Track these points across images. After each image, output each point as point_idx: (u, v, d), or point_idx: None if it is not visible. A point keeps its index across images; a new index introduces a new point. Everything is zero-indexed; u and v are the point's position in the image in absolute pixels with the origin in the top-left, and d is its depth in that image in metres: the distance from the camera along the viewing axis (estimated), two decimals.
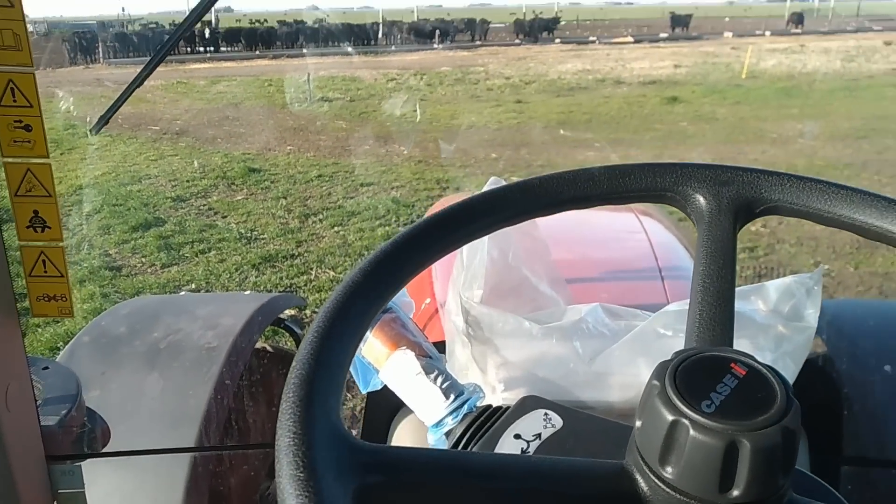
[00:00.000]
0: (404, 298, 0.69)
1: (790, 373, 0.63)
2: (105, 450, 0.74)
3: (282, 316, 1.79)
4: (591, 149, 6.43)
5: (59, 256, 0.57)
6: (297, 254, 3.89)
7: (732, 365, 0.36)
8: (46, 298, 0.58)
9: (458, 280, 0.69)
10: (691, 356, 0.37)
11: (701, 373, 0.36)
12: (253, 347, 1.52)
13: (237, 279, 3.58)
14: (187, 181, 5.43)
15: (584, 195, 0.50)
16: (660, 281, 1.02)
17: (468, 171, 5.66)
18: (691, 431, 0.34)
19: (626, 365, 0.61)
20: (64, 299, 0.58)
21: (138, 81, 0.78)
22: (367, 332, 0.64)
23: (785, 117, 7.84)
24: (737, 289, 0.49)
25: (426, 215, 0.48)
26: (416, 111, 8.35)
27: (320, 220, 4.45)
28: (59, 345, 2.85)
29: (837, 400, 0.90)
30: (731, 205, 0.49)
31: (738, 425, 0.33)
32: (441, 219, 0.46)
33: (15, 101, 0.55)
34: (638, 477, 0.37)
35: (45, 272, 0.57)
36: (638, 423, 0.37)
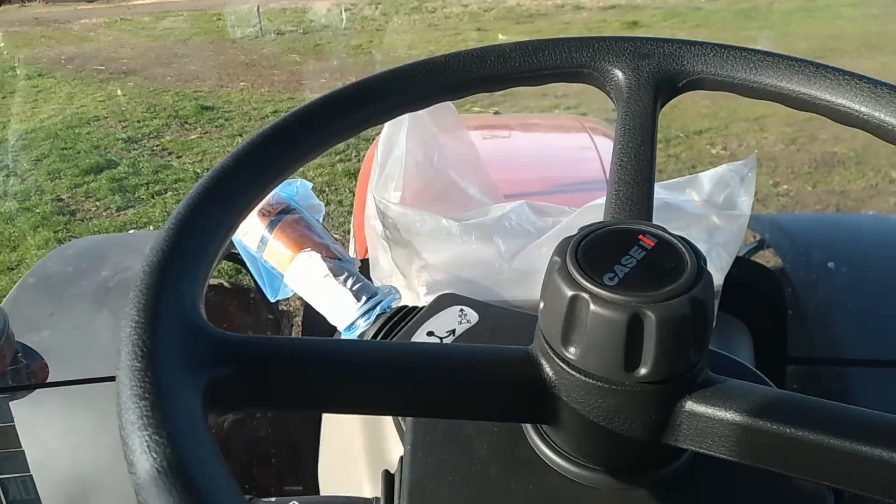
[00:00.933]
0: (312, 201, 0.65)
1: (724, 263, 0.62)
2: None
3: (234, 251, 1.75)
4: None
5: None
6: None
7: (640, 237, 0.34)
8: None
9: (372, 182, 0.66)
10: (596, 230, 0.35)
11: (606, 246, 0.34)
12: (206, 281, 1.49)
13: None
14: (138, 122, 5.24)
15: (493, 74, 0.46)
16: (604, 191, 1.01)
17: None
18: (591, 306, 0.31)
19: (547, 261, 0.59)
20: None
21: None
22: (267, 234, 0.60)
23: (744, 39, 7.81)
24: (669, 181, 0.47)
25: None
26: (371, 41, 8.12)
27: None
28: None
29: (783, 300, 0.92)
30: (651, 79, 0.46)
31: (642, 297, 0.31)
32: (333, 99, 0.42)
33: None
34: (542, 361, 0.35)
35: None
36: (541, 305, 0.35)
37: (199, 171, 4.14)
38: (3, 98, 5.95)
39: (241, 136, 4.82)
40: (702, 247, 0.60)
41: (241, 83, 6.35)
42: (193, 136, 4.90)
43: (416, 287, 0.61)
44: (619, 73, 0.47)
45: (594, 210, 0.61)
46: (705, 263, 0.33)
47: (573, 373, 0.33)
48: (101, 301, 1.36)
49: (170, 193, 3.81)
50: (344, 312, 0.58)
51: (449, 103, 0.68)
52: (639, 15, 9.77)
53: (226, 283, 1.75)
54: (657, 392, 0.33)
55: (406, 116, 0.66)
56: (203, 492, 0.24)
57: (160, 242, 0.33)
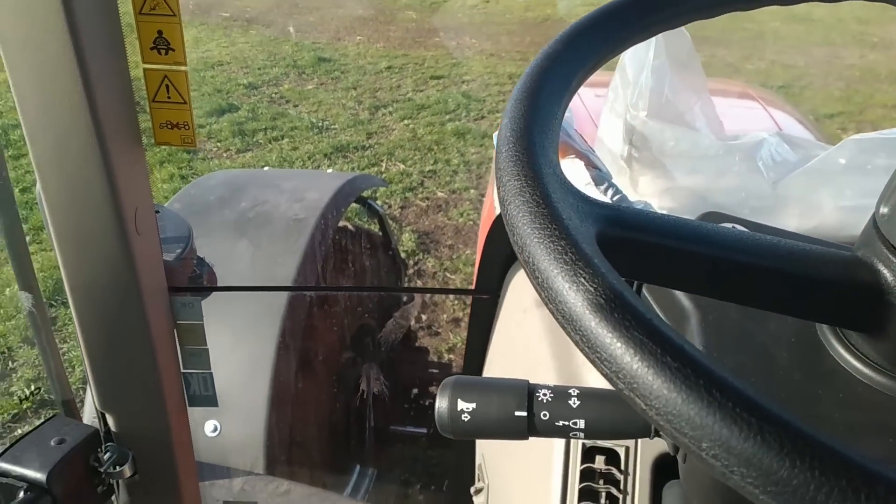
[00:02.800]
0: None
1: None
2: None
3: (363, 195, 1.79)
4: None
5: (183, 82, 0.56)
6: (367, 145, 3.88)
7: None
8: (169, 126, 0.57)
9: (616, 100, 0.65)
10: None
11: None
12: (338, 223, 1.53)
13: (310, 167, 3.61)
14: (259, 69, 5.41)
15: None
16: None
17: None
18: None
19: (809, 193, 0.57)
20: (187, 128, 0.57)
21: None
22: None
23: (891, 20, 7.22)
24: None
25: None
26: (488, 2, 8.02)
27: (390, 113, 4.41)
28: None
29: None
30: None
31: None
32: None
33: None
34: (881, 266, 0.34)
35: (169, 97, 0.56)
36: (884, 210, 0.33)
37: (314, 120, 4.24)
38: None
39: (355, 89, 4.90)
40: None
41: (358, 37, 6.43)
42: (310, 87, 5.01)
43: (655, 209, 0.60)
44: None
45: (848, 147, 0.58)
46: None
47: None
48: (241, 231, 1.42)
49: (286, 140, 3.93)
50: None
51: (685, 33, 0.67)
52: None
53: (350, 227, 1.79)
54: None
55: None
56: (646, 317, 0.25)
57: (518, 111, 0.34)
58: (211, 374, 0.66)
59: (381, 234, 1.82)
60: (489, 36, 6.34)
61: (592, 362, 0.25)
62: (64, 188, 0.53)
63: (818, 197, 0.56)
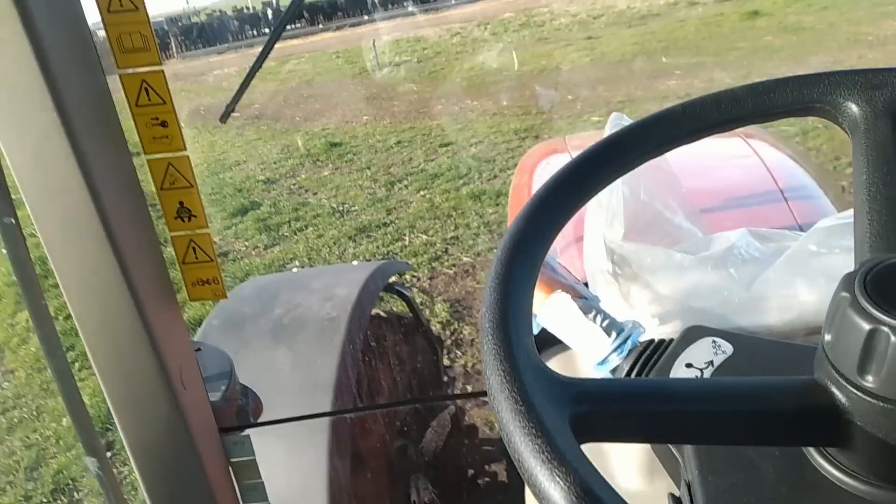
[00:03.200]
0: None
1: None
2: (262, 420, 0.79)
3: (390, 281, 1.83)
4: (672, 77, 6.16)
5: (207, 242, 0.60)
6: (388, 221, 3.96)
7: None
8: (201, 283, 0.61)
9: (595, 220, 0.69)
10: (878, 264, 0.36)
11: (892, 278, 0.35)
12: (370, 314, 1.57)
13: (336, 252, 3.69)
14: (274, 163, 5.59)
15: (729, 117, 0.48)
16: (784, 203, 0.98)
17: (544, 118, 5.56)
18: (893, 338, 0.33)
19: (784, 287, 0.60)
20: (216, 282, 0.62)
21: (258, 65, 0.80)
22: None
23: (881, 16, 7.25)
24: None
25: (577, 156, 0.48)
26: (483, 63, 8.23)
27: (405, 186, 4.50)
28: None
29: None
30: (886, 108, 0.46)
31: None
32: (591, 156, 0.46)
33: (150, 100, 0.57)
34: (834, 390, 0.36)
35: (196, 258, 0.60)
36: (828, 338, 0.36)
37: (334, 205, 4.35)
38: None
39: (368, 168, 5.02)
40: None
41: (365, 117, 6.62)
42: (326, 173, 5.15)
43: (646, 318, 0.63)
44: (853, 106, 0.47)
45: (818, 234, 0.61)
46: None
47: (870, 399, 0.35)
48: (278, 338, 1.46)
49: (310, 229, 4.03)
50: (598, 348, 0.61)
51: None
52: (758, 4, 9.31)
53: (382, 313, 1.83)
54: None
55: None
56: None
57: (494, 300, 0.38)
58: None
59: (411, 316, 1.85)
60: (489, 96, 6.49)
61: None
62: (112, 354, 0.57)
63: (794, 289, 0.58)
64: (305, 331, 1.46)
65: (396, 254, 3.56)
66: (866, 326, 0.34)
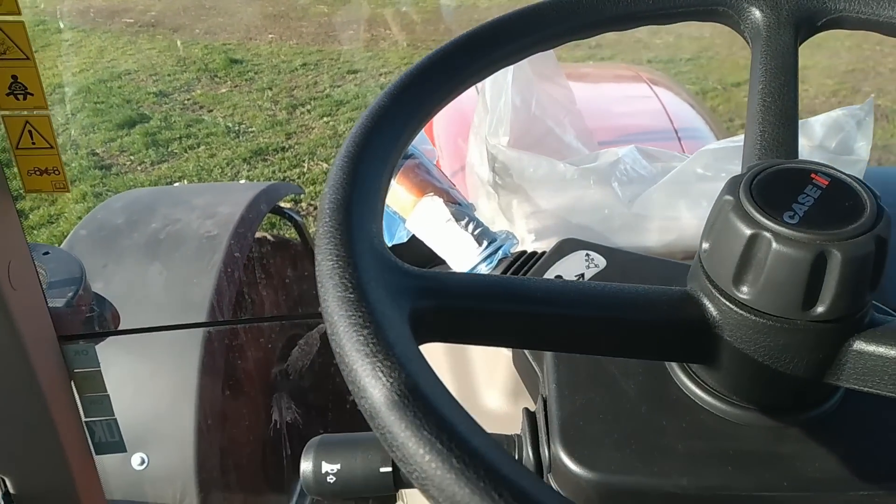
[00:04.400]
0: (426, 146, 0.65)
1: None
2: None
3: (280, 204, 1.76)
4: None
5: (47, 126, 0.53)
6: (287, 146, 3.81)
7: (813, 175, 0.34)
8: (38, 172, 0.54)
9: (480, 127, 0.65)
10: (766, 168, 0.34)
11: (779, 185, 0.33)
12: (254, 235, 1.50)
13: (229, 173, 3.53)
14: (168, 75, 5.24)
15: (628, 12, 0.45)
16: (676, 141, 0.99)
17: None
18: (774, 244, 0.31)
19: (666, 207, 0.59)
20: (56, 172, 0.55)
21: None
22: (395, 173, 0.60)
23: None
24: None
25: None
26: None
27: (308, 111, 4.34)
28: (56, 245, 2.83)
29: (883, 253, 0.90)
30: (791, 17, 0.45)
31: (826, 234, 0.31)
32: (471, 39, 0.42)
33: None
34: (706, 301, 0.35)
35: (34, 143, 0.53)
36: (705, 246, 0.34)
37: (230, 125, 4.14)
38: (34, 52, 5.97)
39: (270, 89, 4.80)
40: None
41: (270, 35, 6.29)
42: (223, 90, 4.88)
43: (523, 233, 0.61)
44: (756, 12, 0.45)
45: (705, 156, 0.60)
46: (880, 202, 0.32)
47: (742, 312, 0.33)
48: (153, 253, 1.37)
49: (202, 147, 3.83)
50: (466, 256, 0.58)
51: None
52: None
53: (269, 237, 1.76)
54: (829, 331, 0.32)
55: None
56: (440, 413, 0.25)
57: (338, 179, 0.33)
58: (115, 419, 0.64)
59: (300, 241, 1.80)
60: (404, 26, 6.30)
61: (394, 460, 0.25)
62: None
63: (676, 210, 0.58)
64: (183, 247, 1.38)
65: (293, 180, 3.45)
66: (747, 231, 0.32)
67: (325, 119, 4.18)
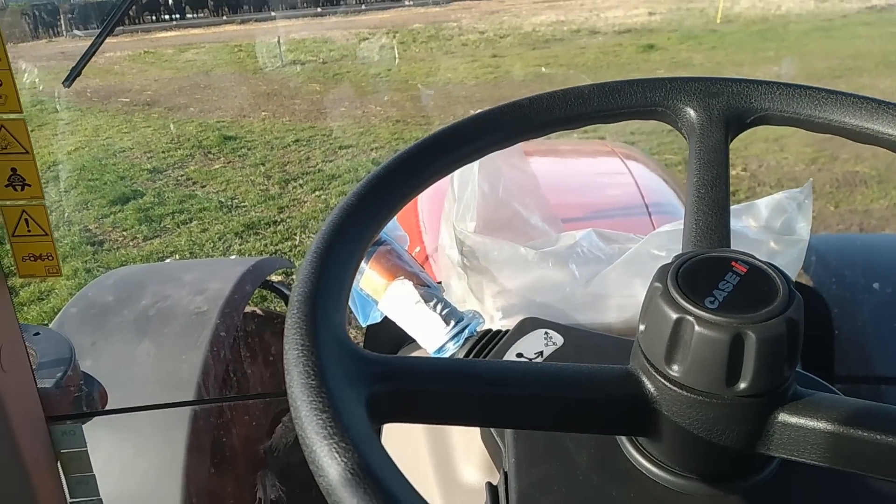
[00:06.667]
0: (398, 232, 0.69)
1: None
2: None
3: (270, 279, 1.78)
4: None
5: (42, 214, 0.56)
6: (279, 220, 3.86)
7: (733, 263, 0.37)
8: (32, 258, 0.57)
9: (450, 213, 0.69)
10: (692, 258, 0.38)
11: (702, 273, 0.37)
12: (243, 310, 1.52)
13: (221, 248, 3.56)
14: (163, 152, 5.34)
15: (575, 114, 0.49)
16: (647, 216, 1.03)
17: None
18: (696, 327, 0.34)
19: (622, 286, 0.62)
20: (50, 258, 0.57)
21: (109, 27, 0.75)
22: (364, 264, 0.64)
23: (762, 60, 7.83)
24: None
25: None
26: (390, 70, 8.23)
27: (300, 185, 4.42)
28: (45, 323, 2.83)
29: (828, 322, 0.92)
30: (721, 116, 0.49)
31: (742, 318, 0.34)
32: (432, 143, 0.46)
33: None
34: (644, 378, 0.38)
35: (29, 231, 0.56)
36: (641, 328, 0.38)
37: (222, 200, 4.20)
38: (31, 131, 6.09)
39: (263, 164, 4.89)
40: None
41: (263, 113, 6.45)
42: (217, 166, 4.98)
43: (491, 311, 0.64)
44: (690, 111, 0.50)
45: (660, 237, 0.63)
46: (793, 286, 0.35)
47: (676, 388, 0.36)
48: (142, 330, 1.39)
49: (195, 222, 3.87)
50: (434, 336, 0.61)
51: None
52: (654, 38, 9.82)
53: (259, 311, 1.78)
54: (754, 404, 0.35)
55: None
56: (389, 491, 0.27)
57: (308, 273, 0.37)
58: (100, 500, 0.65)
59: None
60: (394, 103, 6.48)
61: None
62: None
63: (632, 289, 0.61)
64: (172, 324, 1.39)
65: (285, 253, 3.48)
66: (674, 315, 0.35)
67: (316, 193, 4.25)
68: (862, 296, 0.91)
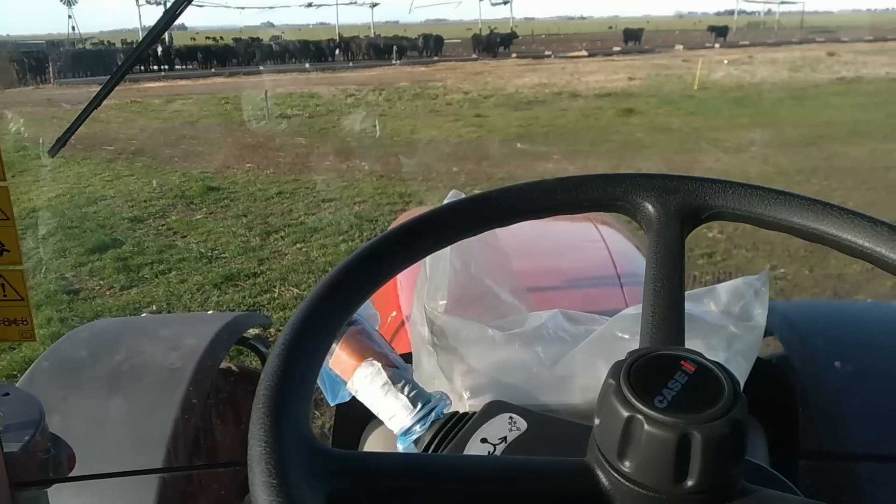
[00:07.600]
0: (369, 311, 0.69)
1: (742, 370, 0.65)
2: (71, 475, 0.73)
3: (246, 335, 1.77)
4: (550, 161, 6.51)
5: (19, 280, 0.56)
6: (259, 272, 3.85)
7: (683, 362, 0.38)
8: (6, 322, 0.57)
9: (422, 291, 0.70)
10: (644, 355, 0.39)
11: (653, 370, 0.38)
12: (218, 367, 1.50)
13: (199, 299, 3.53)
14: (145, 201, 5.34)
15: (539, 206, 0.51)
16: (619, 287, 1.05)
17: (430, 185, 5.68)
18: (646, 426, 0.35)
19: (587, 368, 0.63)
20: (25, 323, 0.57)
21: (96, 102, 0.77)
22: (334, 345, 0.64)
23: (737, 126, 8.06)
24: (689, 292, 0.51)
25: (389, 228, 0.49)
26: (375, 126, 8.36)
27: (282, 237, 4.42)
28: (15, 374, 2.77)
29: (793, 396, 0.93)
30: (678, 212, 0.51)
31: (689, 419, 0.35)
32: (402, 232, 0.47)
33: None
34: (599, 472, 0.38)
35: (5, 296, 0.56)
36: (597, 421, 0.39)
37: (203, 250, 4.19)
38: (13, 177, 6.06)
39: (245, 216, 4.90)
40: (721, 355, 0.64)
41: (247, 164, 6.50)
42: (199, 216, 4.97)
43: (459, 390, 0.64)
44: (649, 207, 0.52)
45: (623, 321, 0.65)
46: (739, 387, 0.37)
47: (628, 484, 0.37)
48: (115, 387, 1.36)
49: (173, 273, 3.85)
50: (401, 418, 0.61)
51: None
52: (633, 102, 10.10)
53: (234, 367, 1.76)
54: (702, 501, 0.36)
55: None
56: None
57: (274, 367, 0.38)
58: None
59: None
60: (377, 158, 6.57)
61: None
62: None
63: (597, 371, 0.62)
64: (144, 381, 1.38)
65: (264, 306, 3.46)
66: (625, 413, 0.36)
67: (298, 245, 4.25)
68: (825, 371, 0.92)
